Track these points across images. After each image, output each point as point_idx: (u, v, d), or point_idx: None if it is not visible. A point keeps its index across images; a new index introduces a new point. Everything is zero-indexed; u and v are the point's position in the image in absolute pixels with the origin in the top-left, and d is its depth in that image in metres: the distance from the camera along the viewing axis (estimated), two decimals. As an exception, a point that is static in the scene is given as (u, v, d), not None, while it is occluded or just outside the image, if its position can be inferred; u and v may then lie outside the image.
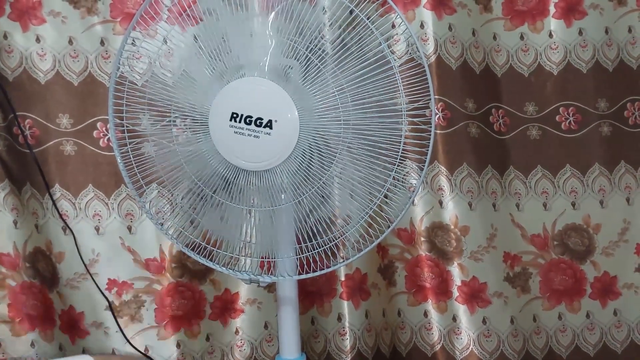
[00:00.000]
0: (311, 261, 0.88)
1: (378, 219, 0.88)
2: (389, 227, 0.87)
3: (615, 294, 1.24)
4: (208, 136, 0.85)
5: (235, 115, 0.83)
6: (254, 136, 0.82)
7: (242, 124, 0.82)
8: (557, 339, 1.24)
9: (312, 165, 0.84)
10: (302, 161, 0.83)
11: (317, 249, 0.88)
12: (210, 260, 0.89)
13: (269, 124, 0.82)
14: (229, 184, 0.87)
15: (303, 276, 0.89)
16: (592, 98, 1.21)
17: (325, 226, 0.88)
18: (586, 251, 1.23)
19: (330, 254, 0.88)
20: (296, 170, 0.84)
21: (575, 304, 1.24)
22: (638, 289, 1.24)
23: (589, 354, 1.24)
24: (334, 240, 0.88)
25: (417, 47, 0.87)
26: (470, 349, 1.19)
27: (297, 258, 0.89)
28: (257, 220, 0.89)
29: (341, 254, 0.90)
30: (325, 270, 0.88)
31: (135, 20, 0.85)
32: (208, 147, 0.85)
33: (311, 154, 0.84)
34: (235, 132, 0.83)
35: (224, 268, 0.89)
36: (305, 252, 0.89)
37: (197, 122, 0.85)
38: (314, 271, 0.88)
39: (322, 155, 0.84)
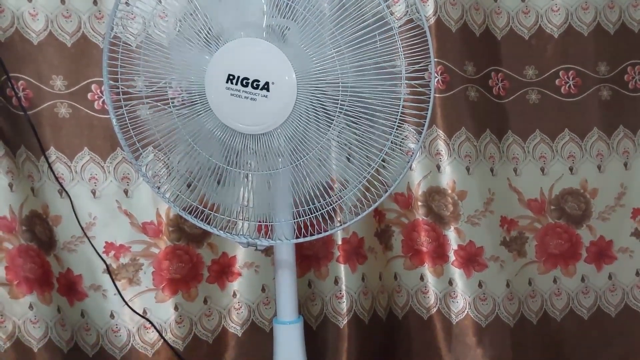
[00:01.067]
0: (308, 225, 0.88)
1: (375, 183, 0.87)
2: (386, 191, 0.87)
3: (611, 258, 1.25)
4: (204, 98, 0.83)
5: (231, 77, 0.81)
6: (251, 99, 0.81)
7: (239, 86, 0.81)
8: (552, 302, 1.25)
9: (309, 129, 0.83)
10: (299, 125, 0.82)
11: (314, 213, 0.88)
12: (208, 223, 0.89)
13: (266, 87, 0.81)
14: (225, 147, 0.86)
15: (300, 240, 0.89)
16: (592, 61, 1.19)
17: (322, 190, 0.87)
18: (582, 215, 1.23)
19: (327, 218, 0.88)
20: (293, 134, 0.83)
21: (570, 268, 1.24)
22: (633, 253, 1.25)
23: (583, 317, 1.26)
24: (331, 205, 0.88)
25: (416, 8, 0.86)
26: (466, 312, 1.21)
27: (294, 222, 0.89)
28: (254, 184, 0.89)
29: (338, 218, 0.90)
30: (323, 234, 0.88)
31: (128, -21, 0.83)
32: (204, 110, 0.84)
33: (308, 117, 0.83)
34: (232, 95, 0.81)
35: (222, 232, 0.89)
36: (303, 216, 0.89)
37: (193, 84, 0.84)
38: (311, 235, 0.88)
39: (319, 119, 0.83)
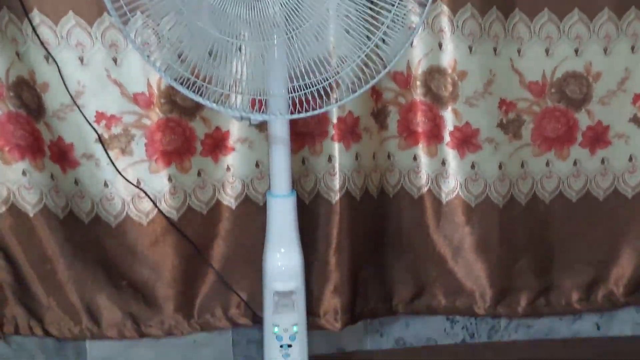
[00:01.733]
0: (304, 101, 0.86)
1: (374, 58, 0.84)
2: (385, 67, 0.84)
3: (606, 143, 1.24)
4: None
5: None
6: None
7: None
8: (542, 184, 1.26)
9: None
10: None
11: (310, 88, 0.86)
12: (200, 95, 0.87)
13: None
14: (217, 15, 0.82)
15: (295, 116, 0.87)
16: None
17: (319, 64, 0.84)
18: (583, 99, 1.21)
19: (323, 95, 0.86)
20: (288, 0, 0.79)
21: (564, 151, 1.24)
22: (629, 139, 1.24)
23: (571, 200, 1.27)
24: (327, 80, 0.85)
25: None
26: (456, 191, 1.22)
27: (289, 97, 0.86)
28: (248, 57, 0.85)
29: (334, 95, 0.87)
30: (318, 111, 0.87)
31: None
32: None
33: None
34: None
35: (214, 104, 0.87)
36: (298, 91, 0.86)
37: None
38: (307, 111, 0.87)
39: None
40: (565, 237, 1.29)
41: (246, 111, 0.88)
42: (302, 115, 0.87)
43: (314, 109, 0.86)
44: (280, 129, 0.94)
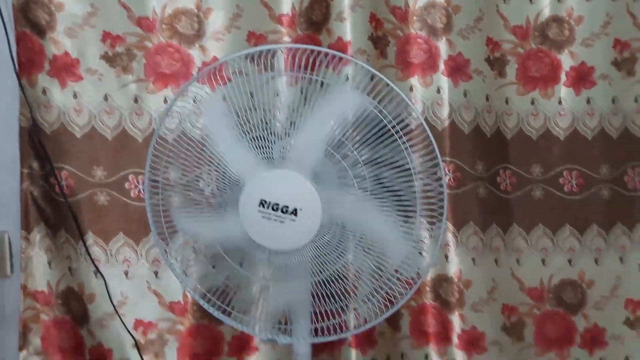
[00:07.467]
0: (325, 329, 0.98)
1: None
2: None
3: (603, 344, 1.31)
4: (236, 212, 0.92)
5: (263, 202, 0.90)
6: (280, 221, 0.90)
7: (270, 210, 0.90)
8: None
9: (329, 252, 0.93)
10: (320, 245, 0.92)
11: (331, 319, 0.98)
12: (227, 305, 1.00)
13: (294, 212, 0.90)
14: (246, 257, 0.96)
15: (317, 340, 0.99)
16: (595, 163, 1.26)
17: (340, 293, 0.96)
18: (578, 304, 1.29)
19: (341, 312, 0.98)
20: (314, 255, 0.92)
21: (564, 352, 1.31)
22: (624, 340, 1.31)
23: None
24: (346, 310, 0.97)
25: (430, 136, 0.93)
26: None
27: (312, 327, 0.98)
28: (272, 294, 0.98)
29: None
30: (339, 336, 0.98)
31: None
32: (234, 223, 0.93)
33: (330, 237, 0.92)
34: (263, 217, 0.90)
35: (240, 325, 1.00)
36: (320, 322, 0.98)
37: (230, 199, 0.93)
38: (328, 334, 0.98)
39: (340, 241, 0.92)
40: None
41: (272, 334, 1.00)
42: (324, 339, 0.98)
43: (334, 332, 0.98)
44: (303, 347, 1.04)
